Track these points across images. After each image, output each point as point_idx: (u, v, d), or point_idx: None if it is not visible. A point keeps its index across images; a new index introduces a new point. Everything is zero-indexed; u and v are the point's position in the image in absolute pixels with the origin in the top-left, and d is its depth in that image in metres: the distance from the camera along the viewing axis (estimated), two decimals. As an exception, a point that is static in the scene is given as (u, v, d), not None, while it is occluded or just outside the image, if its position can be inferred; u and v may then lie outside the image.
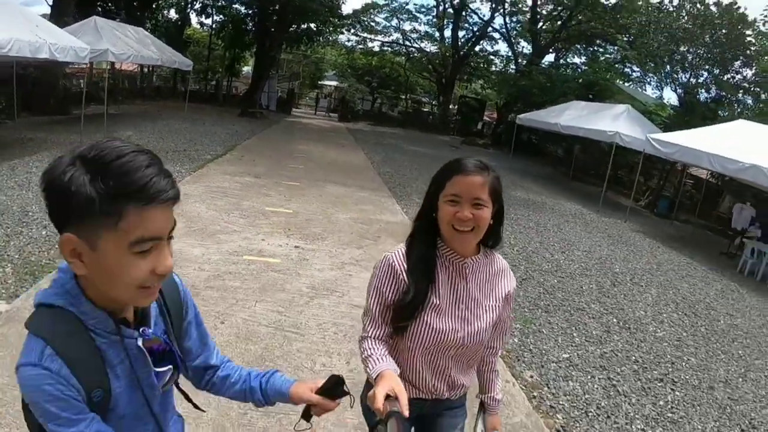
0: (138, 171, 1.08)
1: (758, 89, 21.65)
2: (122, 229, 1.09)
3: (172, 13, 34.03)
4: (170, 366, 1.41)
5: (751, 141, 13.15)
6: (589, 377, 5.23)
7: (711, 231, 17.79)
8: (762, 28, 20.94)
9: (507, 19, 36.07)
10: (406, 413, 1.44)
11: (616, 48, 30.74)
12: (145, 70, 29.04)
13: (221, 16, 33.05)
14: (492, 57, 39.90)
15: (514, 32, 36.79)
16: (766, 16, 20.65)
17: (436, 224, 1.95)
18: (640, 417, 4.70)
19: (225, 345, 4.39)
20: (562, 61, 35.73)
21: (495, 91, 37.79)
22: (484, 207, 1.88)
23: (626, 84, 31.08)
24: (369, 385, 1.83)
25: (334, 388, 1.50)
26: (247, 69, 42.20)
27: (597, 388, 5.05)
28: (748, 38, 20.94)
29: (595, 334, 6.32)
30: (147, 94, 27.65)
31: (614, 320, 6.92)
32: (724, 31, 20.96)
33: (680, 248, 13.00)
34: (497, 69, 39.35)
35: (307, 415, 1.56)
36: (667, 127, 18.85)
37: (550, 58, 35.68)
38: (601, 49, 33.47)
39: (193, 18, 34.72)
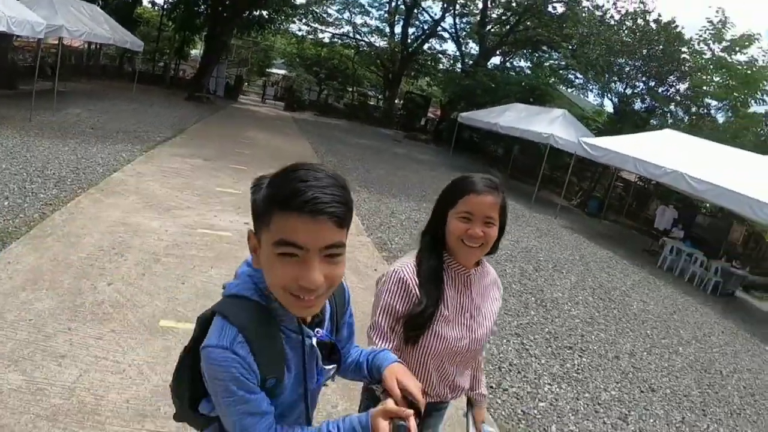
0: (296, 183, 1.19)
1: (689, 102, 22.97)
2: (271, 230, 1.22)
3: None
4: (335, 366, 1.54)
5: (676, 149, 14.25)
6: (504, 341, 5.97)
7: (637, 231, 18.97)
8: (696, 47, 22.28)
9: (457, 19, 36.79)
10: (421, 407, 1.46)
11: (560, 55, 31.80)
12: (93, 47, 28.51)
13: (174, -4, 32.60)
14: (440, 55, 40.56)
15: (463, 33, 37.48)
16: (700, 36, 22.02)
17: (441, 238, 2.05)
18: (548, 374, 5.45)
19: (186, 301, 4.94)
20: (508, 64, 36.64)
21: (440, 89, 38.43)
22: (493, 225, 1.97)
23: (569, 90, 32.26)
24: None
25: (413, 405, 1.47)
26: (195, 52, 41.63)
27: (511, 350, 5.79)
28: (684, 55, 22.21)
29: (513, 309, 7.07)
30: (93, 72, 27.13)
31: (532, 299, 7.69)
32: (661, 46, 22.20)
33: (605, 244, 14.00)
34: (444, 67, 40.04)
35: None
36: (600, 133, 19.93)
37: (496, 60, 36.58)
38: (546, 55, 34.42)
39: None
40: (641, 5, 24.91)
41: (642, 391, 5.68)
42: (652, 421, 5.11)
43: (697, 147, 14.73)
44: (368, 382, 1.71)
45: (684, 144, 14.91)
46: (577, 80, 31.37)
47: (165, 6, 33.16)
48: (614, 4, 26.86)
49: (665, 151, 14.10)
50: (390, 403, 1.37)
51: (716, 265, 13.11)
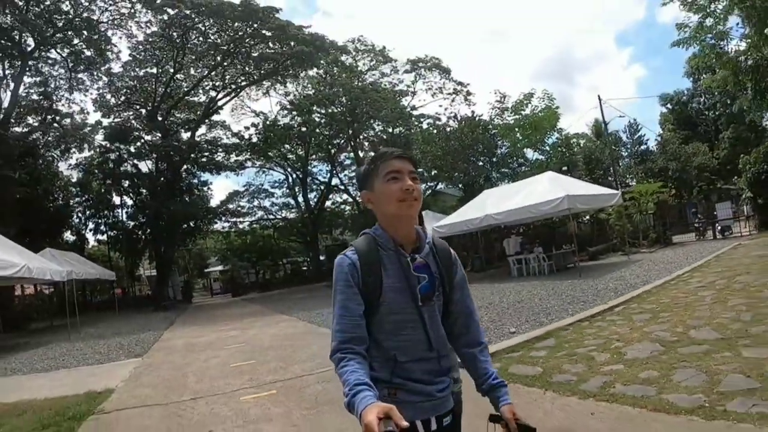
0: (385, 150, 2.25)
1: (510, 159, 33.74)
2: (380, 173, 2.19)
3: (68, 235, 39.78)
4: (426, 275, 2.19)
5: (489, 200, 22.54)
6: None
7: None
8: (496, 122, 33.32)
9: (341, 174, 46.26)
10: (404, 423, 1.62)
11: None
12: (60, 288, 34.00)
13: (114, 232, 40.42)
14: (343, 206, 49.28)
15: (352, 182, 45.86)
16: (492, 115, 33.69)
17: None
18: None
19: (233, 349, 12.49)
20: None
21: (351, 234, 46.65)
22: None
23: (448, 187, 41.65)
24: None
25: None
26: (139, 273, 49.14)
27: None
28: (492, 132, 32.90)
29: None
30: (64, 311, 32.64)
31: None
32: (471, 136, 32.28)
33: (480, 281, 21.19)
34: (348, 214, 48.34)
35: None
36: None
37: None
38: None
39: (90, 237, 42.00)
40: (470, 112, 35.31)
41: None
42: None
43: (503, 191, 23.35)
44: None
45: (495, 194, 23.34)
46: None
47: (109, 242, 41.29)
48: (452, 116, 37.54)
49: (484, 206, 22.03)
50: (394, 409, 1.65)
51: (541, 255, 20.88)
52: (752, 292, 9.78)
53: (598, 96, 37.31)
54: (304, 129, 41.76)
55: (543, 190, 19.48)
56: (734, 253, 17.07)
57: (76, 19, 33.11)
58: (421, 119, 41.56)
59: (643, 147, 44.53)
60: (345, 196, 47.88)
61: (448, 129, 34.93)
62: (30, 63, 33.14)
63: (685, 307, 9.34)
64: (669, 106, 43.65)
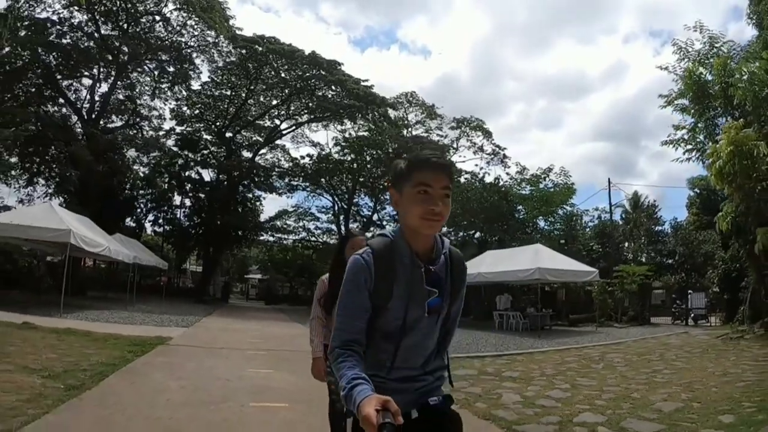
0: (422, 155, 2.14)
1: (523, 226, 38.71)
2: (412, 180, 2.10)
3: (129, 222, 44.89)
4: (436, 289, 2.18)
5: (486, 262, 26.82)
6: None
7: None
8: (514, 191, 38.73)
9: (382, 212, 50.09)
10: (399, 419, 1.63)
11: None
12: (113, 266, 39.60)
13: (170, 226, 45.99)
14: (383, 241, 53.32)
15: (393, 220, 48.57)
16: (511, 184, 39.10)
17: None
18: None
19: (256, 336, 18.19)
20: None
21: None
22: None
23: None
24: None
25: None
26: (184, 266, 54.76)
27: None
28: (510, 198, 38.20)
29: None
30: (116, 286, 36.46)
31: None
32: (493, 198, 37.78)
33: (466, 327, 25.03)
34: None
35: None
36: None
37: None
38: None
39: (147, 226, 47.83)
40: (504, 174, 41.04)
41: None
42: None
43: (499, 255, 27.95)
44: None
45: (493, 255, 27.87)
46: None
47: (164, 234, 47.33)
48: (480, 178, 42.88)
49: (481, 264, 26.24)
50: (391, 402, 1.66)
51: (518, 313, 24.82)
52: (586, 364, 13.28)
53: (608, 179, 41.75)
54: (354, 165, 46.44)
55: (526, 259, 23.39)
56: (658, 340, 19.96)
57: (166, 41, 39.60)
58: (461, 173, 45.92)
59: (659, 228, 46.22)
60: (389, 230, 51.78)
61: (468, 191, 39.63)
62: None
63: (529, 371, 12.35)
64: (697, 190, 45.00)
